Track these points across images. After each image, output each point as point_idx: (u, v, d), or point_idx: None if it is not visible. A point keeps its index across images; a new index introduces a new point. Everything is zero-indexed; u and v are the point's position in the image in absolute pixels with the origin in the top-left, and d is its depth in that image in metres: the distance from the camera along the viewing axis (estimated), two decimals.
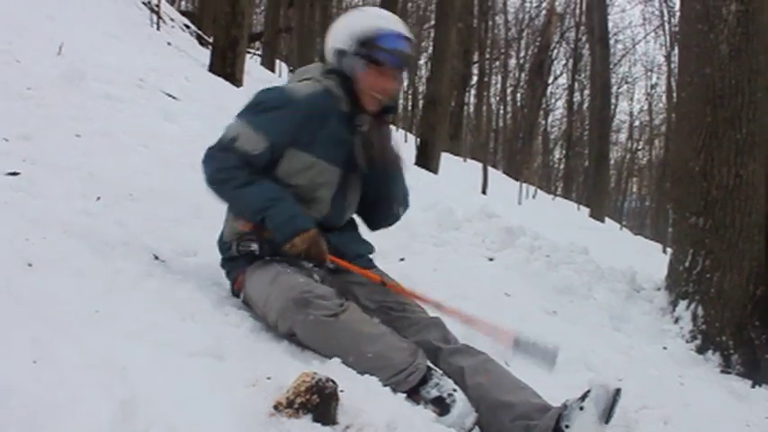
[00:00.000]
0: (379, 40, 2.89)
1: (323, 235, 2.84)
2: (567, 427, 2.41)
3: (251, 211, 2.80)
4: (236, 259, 2.92)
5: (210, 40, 14.11)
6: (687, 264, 5.47)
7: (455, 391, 2.52)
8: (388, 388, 2.42)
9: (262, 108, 2.88)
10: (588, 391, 2.44)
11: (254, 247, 2.85)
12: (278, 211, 2.75)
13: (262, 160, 2.82)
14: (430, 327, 2.81)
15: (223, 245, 3.00)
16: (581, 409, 2.40)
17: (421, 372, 2.51)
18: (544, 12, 30.75)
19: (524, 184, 18.58)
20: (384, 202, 3.15)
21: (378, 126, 3.00)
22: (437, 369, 2.59)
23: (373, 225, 3.25)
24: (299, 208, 2.81)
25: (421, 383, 2.50)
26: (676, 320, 5.41)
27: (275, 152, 2.85)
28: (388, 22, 2.97)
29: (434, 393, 2.49)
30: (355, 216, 3.22)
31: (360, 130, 2.95)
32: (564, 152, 36.35)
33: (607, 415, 2.39)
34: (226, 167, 2.80)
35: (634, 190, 43.09)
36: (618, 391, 2.42)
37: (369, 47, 2.88)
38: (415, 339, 2.69)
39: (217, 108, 7.60)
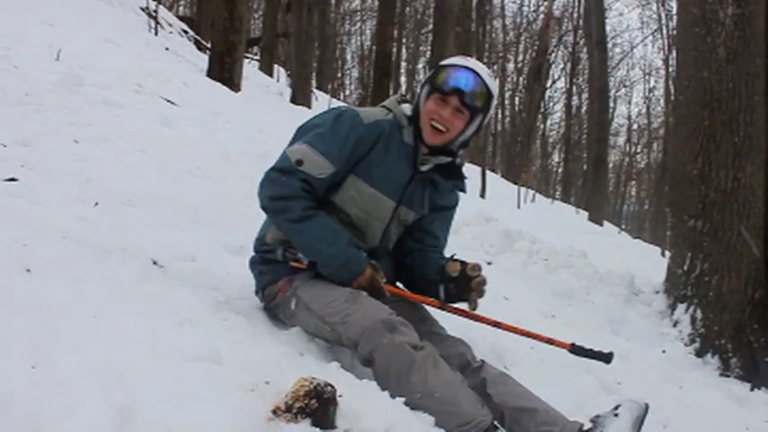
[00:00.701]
0: (447, 69, 2.85)
1: (376, 265, 2.83)
2: None
3: (303, 250, 2.80)
4: (276, 263, 2.90)
5: (208, 45, 14.12)
6: (686, 267, 5.48)
7: None
8: (386, 393, 2.42)
9: (329, 131, 2.82)
10: (619, 405, 2.50)
11: (301, 255, 2.83)
12: (330, 255, 2.75)
13: (325, 185, 2.81)
14: (458, 344, 2.85)
15: (263, 245, 2.97)
16: (615, 415, 2.45)
17: (485, 424, 2.46)
18: (542, 16, 30.78)
19: (523, 188, 18.56)
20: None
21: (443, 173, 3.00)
22: (501, 427, 2.56)
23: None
24: (351, 247, 2.78)
25: None
26: (675, 324, 5.42)
27: (338, 177, 2.84)
28: (467, 61, 2.90)
29: None
30: None
31: (421, 169, 2.94)
32: (562, 156, 36.35)
33: (639, 423, 2.45)
34: (283, 196, 2.77)
35: (633, 193, 43.07)
36: (647, 406, 2.50)
37: (435, 74, 2.86)
38: (447, 353, 2.68)
39: (215, 113, 7.62)
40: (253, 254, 3.03)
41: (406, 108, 2.94)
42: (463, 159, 3.04)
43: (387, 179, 2.88)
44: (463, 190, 3.12)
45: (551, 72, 34.15)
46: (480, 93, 2.82)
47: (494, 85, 2.88)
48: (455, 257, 2.91)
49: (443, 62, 2.92)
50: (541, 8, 31.27)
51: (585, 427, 2.49)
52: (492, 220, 6.70)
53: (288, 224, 2.78)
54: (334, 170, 2.78)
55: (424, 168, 2.94)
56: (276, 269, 2.89)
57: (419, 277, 3.03)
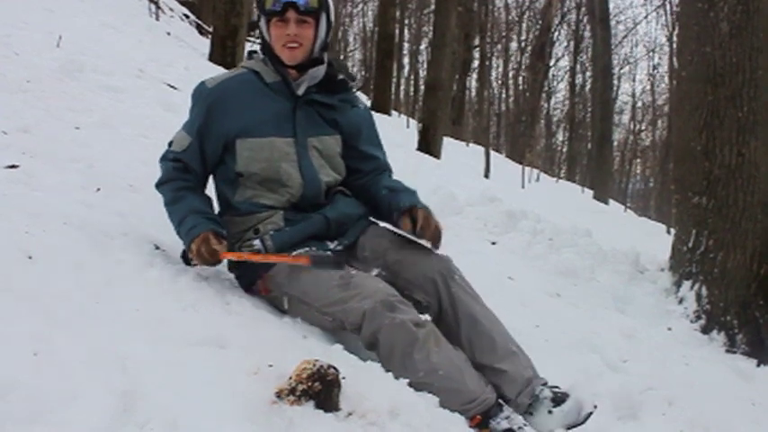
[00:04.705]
0: None
1: (216, 234, 2.81)
2: (530, 414, 2.54)
3: (174, 228, 2.88)
4: (246, 265, 2.88)
5: (210, 29, 14.07)
6: (690, 244, 5.46)
7: (525, 425, 2.51)
8: (390, 374, 2.42)
9: (191, 108, 2.99)
10: (566, 399, 2.53)
11: (257, 243, 2.83)
12: (184, 227, 2.81)
13: (192, 156, 2.93)
14: (430, 259, 2.93)
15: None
16: (549, 412, 2.51)
17: (490, 402, 2.48)
18: None
19: (527, 168, 18.54)
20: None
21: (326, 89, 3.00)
22: (507, 405, 2.57)
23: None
24: (204, 220, 2.81)
25: (491, 414, 2.47)
26: (680, 301, 5.41)
27: (208, 146, 2.92)
28: None
29: (504, 425, 2.46)
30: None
31: (299, 93, 2.94)
32: (567, 135, 36.35)
33: (570, 428, 2.49)
34: (159, 182, 2.97)
35: (638, 171, 43.02)
36: (589, 415, 2.50)
37: (261, 3, 2.88)
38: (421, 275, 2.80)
39: None
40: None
41: (256, 56, 3.02)
42: (348, 76, 3.08)
43: (267, 122, 2.90)
44: (356, 104, 3.14)
45: (554, 51, 34.11)
46: None
47: None
48: (408, 206, 2.94)
49: None
50: None
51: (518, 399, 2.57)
52: (496, 200, 6.69)
53: (164, 207, 2.92)
54: (192, 139, 2.91)
55: (301, 91, 2.95)
56: (248, 271, 2.89)
57: (376, 210, 3.09)
